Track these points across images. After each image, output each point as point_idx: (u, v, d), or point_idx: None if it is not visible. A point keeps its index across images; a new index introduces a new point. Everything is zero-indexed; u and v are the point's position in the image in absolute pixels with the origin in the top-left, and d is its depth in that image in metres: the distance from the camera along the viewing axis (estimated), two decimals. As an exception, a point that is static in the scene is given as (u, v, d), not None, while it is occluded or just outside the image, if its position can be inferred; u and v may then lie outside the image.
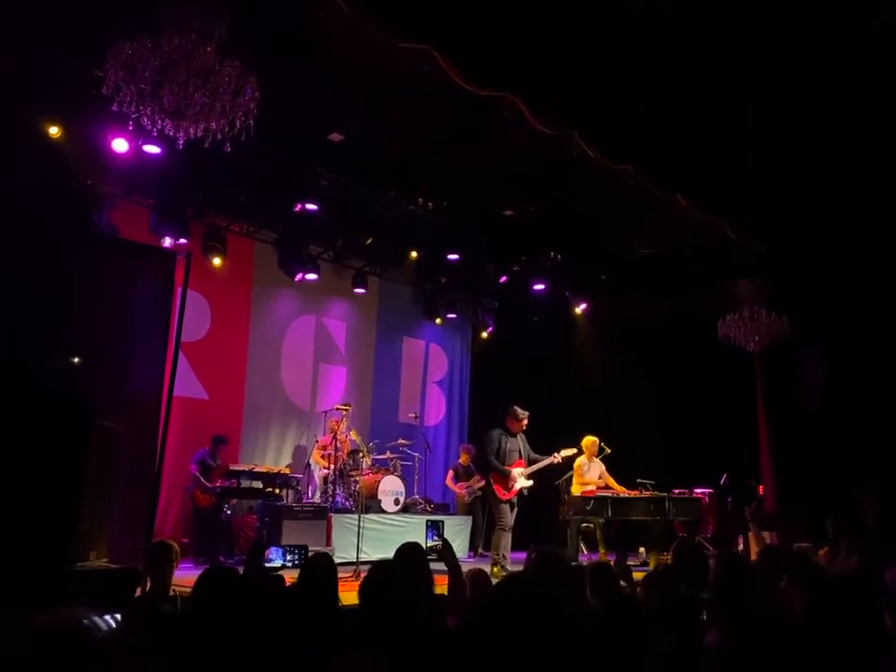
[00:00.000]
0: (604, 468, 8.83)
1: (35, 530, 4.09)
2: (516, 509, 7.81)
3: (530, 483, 7.83)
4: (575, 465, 8.71)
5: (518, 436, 7.91)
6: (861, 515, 8.20)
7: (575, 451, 8.16)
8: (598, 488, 8.58)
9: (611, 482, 8.76)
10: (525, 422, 7.89)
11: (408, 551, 3.04)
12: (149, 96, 4.72)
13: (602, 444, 8.81)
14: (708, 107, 6.60)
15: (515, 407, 7.85)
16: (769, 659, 2.04)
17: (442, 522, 3.85)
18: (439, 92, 6.21)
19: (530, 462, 7.87)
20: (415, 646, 1.84)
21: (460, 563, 3.41)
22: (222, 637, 2.20)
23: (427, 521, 3.82)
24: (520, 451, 7.86)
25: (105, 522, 5.00)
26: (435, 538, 3.63)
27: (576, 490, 8.58)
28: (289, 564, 3.53)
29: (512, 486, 7.68)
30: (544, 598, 1.61)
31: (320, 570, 2.83)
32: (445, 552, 3.33)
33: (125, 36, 4.71)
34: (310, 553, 3.46)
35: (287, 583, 3.46)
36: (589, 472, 8.71)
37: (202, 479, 8.04)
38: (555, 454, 7.93)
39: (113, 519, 5.11)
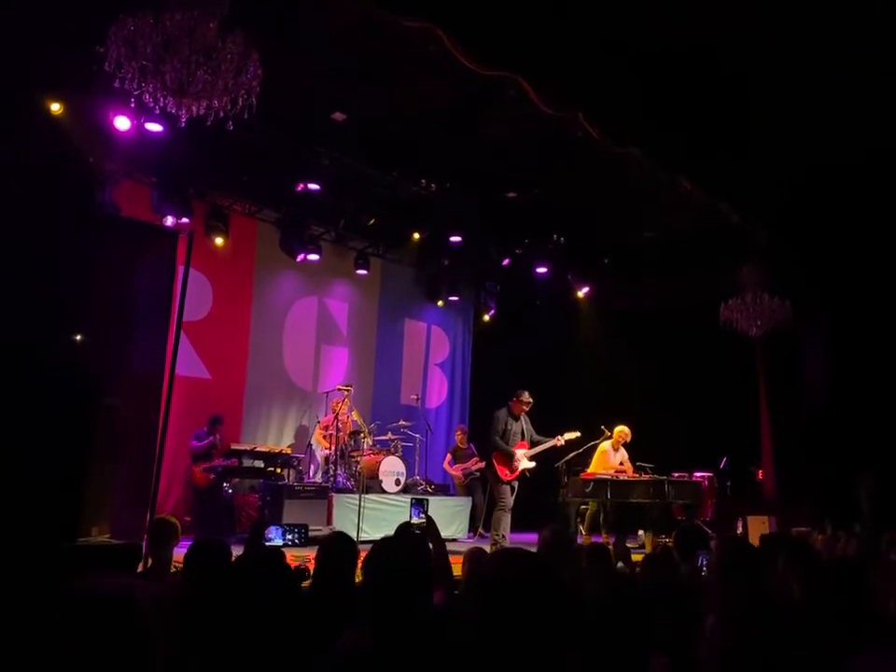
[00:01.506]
0: (626, 457, 8.85)
1: (39, 506, 4.11)
2: (516, 490, 7.84)
3: (532, 464, 7.86)
4: (599, 449, 8.73)
5: (522, 418, 7.93)
6: (859, 502, 8.23)
7: (578, 434, 8.18)
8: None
9: (630, 471, 8.77)
10: (528, 406, 7.91)
11: (409, 528, 3.06)
12: (151, 73, 4.67)
13: (603, 427, 8.83)
14: (714, 90, 6.54)
15: (524, 391, 7.86)
16: (767, 642, 2.05)
17: (427, 500, 3.87)
18: (443, 72, 6.16)
19: (533, 444, 7.89)
20: (417, 621, 1.85)
21: (461, 543, 3.43)
22: (211, 611, 2.22)
23: (412, 499, 3.86)
24: (523, 432, 7.88)
25: (107, 499, 5.03)
26: (421, 515, 3.66)
27: (593, 471, 8.61)
28: (289, 543, 3.55)
29: (515, 467, 7.71)
30: (548, 577, 1.61)
31: (340, 552, 2.85)
32: (429, 528, 3.36)
33: (127, 12, 4.66)
34: (318, 532, 3.47)
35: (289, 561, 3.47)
36: (612, 459, 8.73)
37: (197, 456, 8.09)
38: (559, 436, 7.95)
39: (115, 496, 5.14)
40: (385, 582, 1.93)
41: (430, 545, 3.15)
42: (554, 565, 2.80)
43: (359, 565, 2.78)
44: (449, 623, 1.87)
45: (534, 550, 2.92)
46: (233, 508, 8.20)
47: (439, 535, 3.40)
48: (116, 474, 5.19)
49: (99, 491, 4.86)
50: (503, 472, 7.69)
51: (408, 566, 1.96)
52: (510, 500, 7.67)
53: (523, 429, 7.89)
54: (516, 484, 7.81)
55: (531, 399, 7.86)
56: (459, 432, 10.37)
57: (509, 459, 7.69)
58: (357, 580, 2.88)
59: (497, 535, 7.55)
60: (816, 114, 6.82)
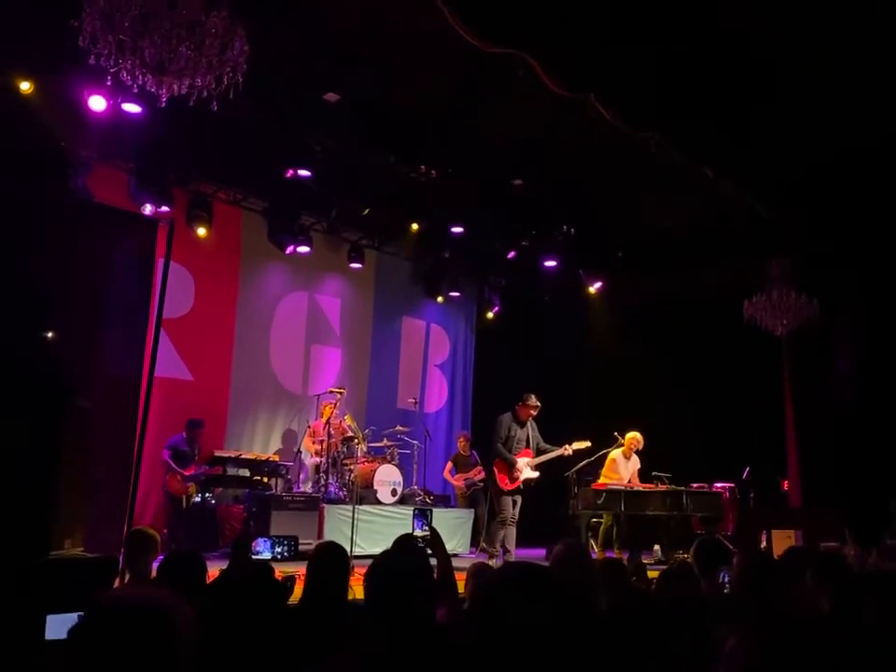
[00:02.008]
0: (638, 468, 8.87)
1: (5, 518, 4.11)
2: (519, 502, 7.85)
3: (536, 474, 7.87)
4: (609, 457, 8.76)
5: (528, 424, 7.93)
6: (891, 514, 8.23)
7: (588, 443, 8.20)
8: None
9: (636, 481, 8.78)
10: (535, 411, 7.92)
11: (409, 541, 3.07)
12: (129, 49, 4.68)
13: (617, 434, 8.84)
14: (738, 72, 6.54)
15: (531, 395, 7.87)
16: (793, 664, 2.05)
17: (431, 510, 3.88)
18: (444, 50, 6.16)
19: (539, 452, 7.91)
20: (418, 639, 1.86)
21: (462, 559, 3.44)
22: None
23: (415, 510, 3.85)
24: (528, 440, 7.90)
25: (80, 509, 5.03)
26: (424, 527, 3.66)
27: (604, 481, 8.63)
28: (279, 556, 3.55)
29: (517, 477, 7.72)
30: (558, 591, 1.62)
31: (331, 561, 2.86)
32: (434, 540, 3.37)
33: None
34: (308, 546, 3.49)
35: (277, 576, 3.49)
36: (622, 469, 8.74)
37: (172, 464, 8.06)
38: (566, 445, 7.97)
39: (89, 506, 5.14)
40: (384, 597, 1.95)
41: (435, 559, 3.17)
42: (568, 581, 2.81)
43: (353, 579, 2.79)
44: (454, 642, 1.88)
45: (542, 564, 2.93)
46: (216, 520, 8.22)
47: (444, 548, 3.41)
48: (89, 483, 5.19)
49: (72, 501, 4.86)
50: (503, 482, 7.71)
51: (408, 578, 1.98)
52: (510, 512, 7.69)
53: (528, 436, 7.91)
54: (520, 497, 7.82)
55: (538, 404, 7.88)
56: (461, 439, 10.37)
57: (509, 468, 7.70)
58: (349, 594, 2.89)
59: (493, 548, 7.53)
60: (848, 97, 6.81)
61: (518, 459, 7.76)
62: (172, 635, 1.30)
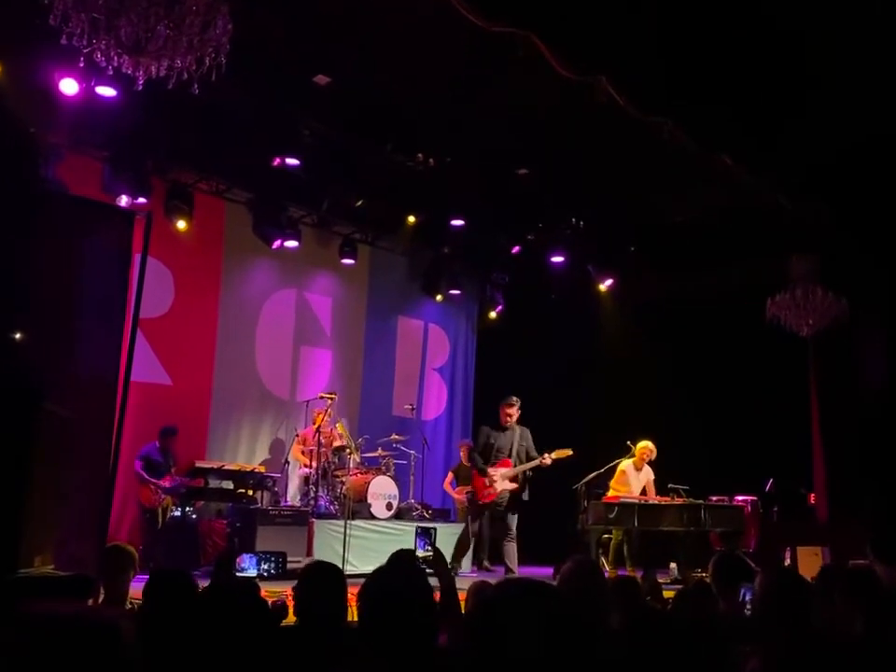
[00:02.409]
0: (652, 478, 8.87)
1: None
2: (517, 517, 7.87)
3: (513, 486, 7.83)
4: (619, 468, 8.77)
5: (511, 431, 7.84)
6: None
7: (570, 452, 8.19)
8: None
9: (652, 493, 8.78)
10: (514, 413, 7.83)
11: (404, 558, 3.07)
12: (104, 27, 4.68)
13: (629, 443, 8.84)
14: (760, 51, 6.54)
15: (511, 396, 7.82)
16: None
17: (435, 529, 3.88)
18: (444, 28, 6.17)
19: (523, 463, 7.86)
20: (418, 664, 1.86)
21: (463, 577, 3.45)
22: (176, 653, 2.23)
23: (418, 528, 3.84)
24: (511, 449, 7.82)
25: (52, 523, 5.03)
26: (427, 547, 3.66)
27: (614, 494, 8.64)
28: (265, 573, 3.53)
29: (490, 491, 7.66)
30: (563, 610, 1.62)
31: (324, 584, 2.86)
32: (437, 562, 3.37)
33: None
34: (296, 564, 3.49)
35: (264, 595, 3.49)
36: (633, 481, 8.74)
37: (145, 475, 8.05)
38: (546, 454, 7.94)
39: (61, 520, 5.14)
40: (380, 619, 1.95)
41: (438, 579, 3.17)
42: (577, 601, 2.81)
43: (349, 599, 2.79)
44: (456, 667, 1.88)
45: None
46: (197, 536, 8.21)
47: (447, 568, 3.40)
48: (61, 495, 5.20)
49: (42, 515, 4.86)
50: (479, 494, 7.70)
51: (406, 598, 1.98)
52: (474, 527, 7.67)
53: (512, 445, 7.83)
54: (504, 508, 7.75)
55: (515, 403, 7.77)
56: (464, 449, 10.33)
57: (481, 478, 7.67)
58: (346, 616, 2.89)
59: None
60: (882, 78, 6.80)
61: (496, 470, 7.68)
62: (116, 653, 1.30)
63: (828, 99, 7.06)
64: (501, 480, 7.75)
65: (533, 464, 7.93)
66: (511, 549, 7.69)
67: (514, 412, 7.89)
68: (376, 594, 2.07)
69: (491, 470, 7.87)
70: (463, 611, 3.42)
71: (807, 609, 2.63)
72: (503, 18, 5.99)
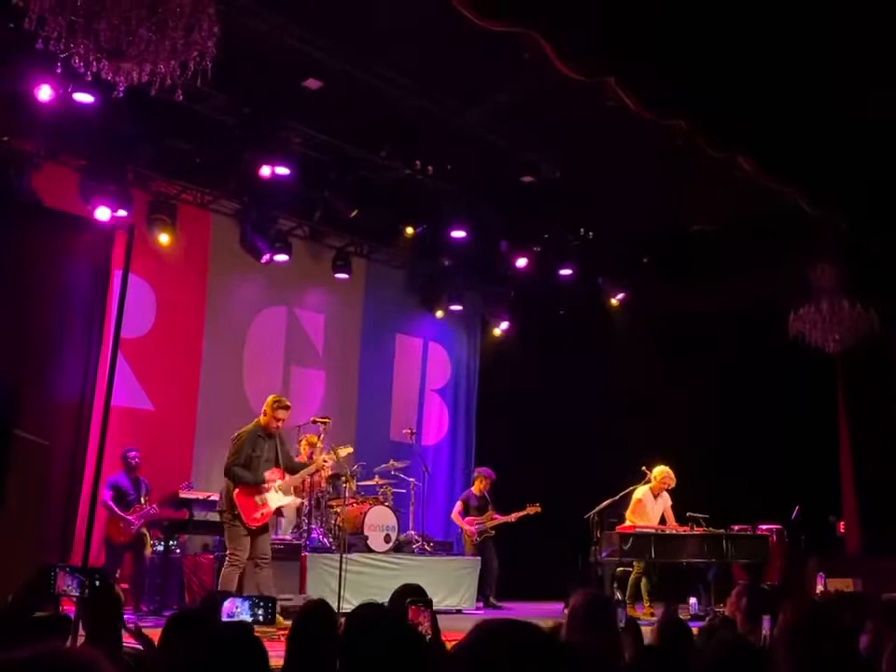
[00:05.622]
0: (670, 504, 8.86)
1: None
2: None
3: (289, 499, 7.39)
4: (635, 497, 8.75)
5: (276, 438, 7.15)
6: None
7: (350, 449, 8.06)
8: None
9: (672, 522, 8.77)
10: (281, 416, 7.06)
11: (408, 593, 3.05)
12: (82, 31, 4.73)
13: (644, 469, 8.83)
14: (777, 48, 6.60)
15: (280, 397, 7.19)
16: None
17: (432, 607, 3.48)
18: (442, 28, 6.23)
19: (291, 470, 7.28)
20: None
21: (467, 616, 3.42)
22: None
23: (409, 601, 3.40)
24: (276, 457, 7.12)
25: (24, 558, 5.03)
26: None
27: (630, 523, 8.62)
28: (261, 619, 3.49)
29: (263, 508, 6.89)
30: (553, 654, 1.62)
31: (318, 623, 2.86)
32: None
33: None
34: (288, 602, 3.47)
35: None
36: (650, 510, 8.73)
37: (116, 508, 7.95)
38: (330, 451, 7.67)
39: (36, 555, 5.14)
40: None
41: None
42: (586, 641, 2.81)
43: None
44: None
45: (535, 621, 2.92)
46: (182, 572, 8.19)
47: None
48: (35, 528, 5.20)
49: (14, 549, 4.87)
50: (245, 513, 6.76)
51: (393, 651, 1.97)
52: (246, 554, 6.72)
53: (277, 453, 7.12)
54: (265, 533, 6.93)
55: (288, 405, 7.13)
56: (480, 479, 10.09)
57: (250, 493, 6.81)
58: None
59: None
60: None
61: (268, 481, 6.96)
62: None
63: (855, 103, 7.11)
64: (275, 494, 6.96)
65: (312, 469, 7.54)
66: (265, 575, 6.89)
67: (282, 417, 7.09)
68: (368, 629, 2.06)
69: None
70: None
71: (837, 640, 2.63)
72: (508, 17, 6.05)
